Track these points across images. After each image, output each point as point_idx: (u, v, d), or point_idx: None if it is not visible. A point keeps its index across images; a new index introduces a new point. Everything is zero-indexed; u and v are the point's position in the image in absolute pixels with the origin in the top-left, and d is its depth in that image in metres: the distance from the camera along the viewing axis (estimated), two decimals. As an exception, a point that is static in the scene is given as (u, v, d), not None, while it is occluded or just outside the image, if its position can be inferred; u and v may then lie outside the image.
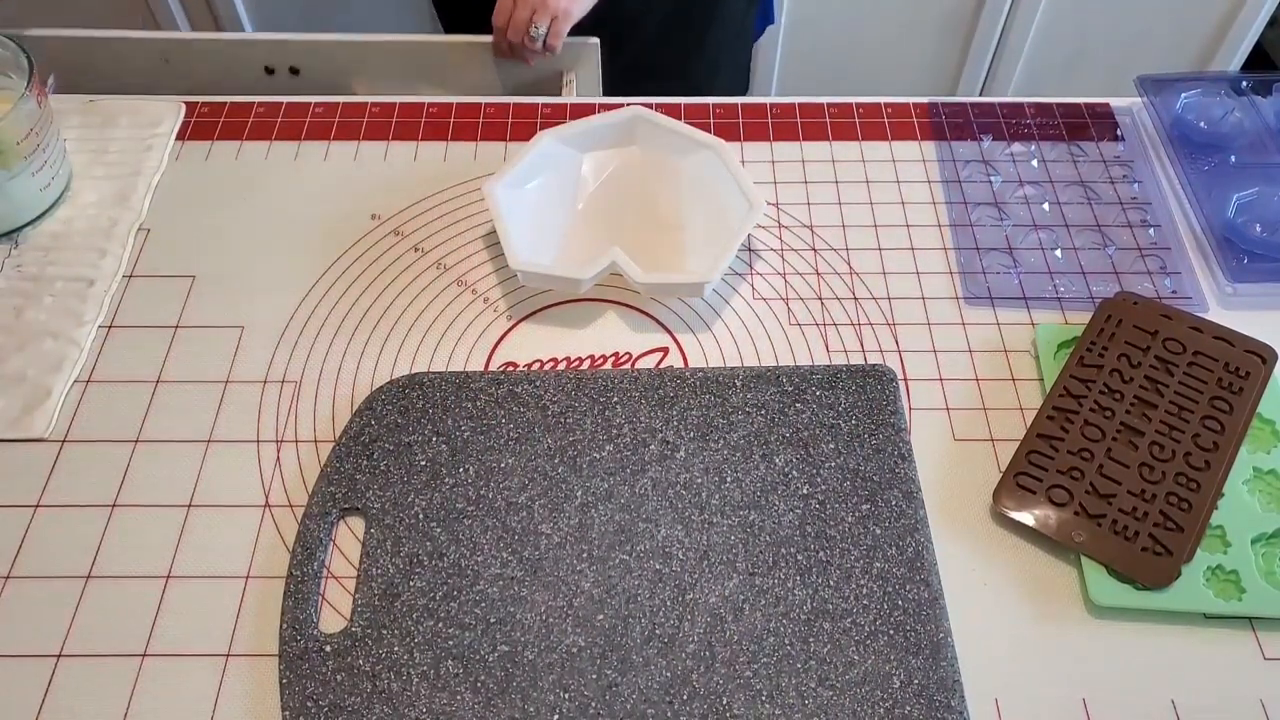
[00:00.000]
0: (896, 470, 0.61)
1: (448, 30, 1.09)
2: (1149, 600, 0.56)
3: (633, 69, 0.97)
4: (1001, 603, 0.57)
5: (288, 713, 0.51)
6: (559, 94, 0.92)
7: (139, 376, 0.66)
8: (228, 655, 0.54)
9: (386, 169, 0.79)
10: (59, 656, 0.54)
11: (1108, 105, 0.85)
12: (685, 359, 0.68)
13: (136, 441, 0.63)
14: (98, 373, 0.66)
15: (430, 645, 0.53)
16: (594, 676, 0.53)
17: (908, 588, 0.56)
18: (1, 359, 0.67)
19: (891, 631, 0.54)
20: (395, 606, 0.55)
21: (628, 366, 0.67)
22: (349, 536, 0.59)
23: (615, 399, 0.63)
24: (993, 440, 0.64)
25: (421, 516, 0.58)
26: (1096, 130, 0.83)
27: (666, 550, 0.57)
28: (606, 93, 0.97)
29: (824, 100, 0.85)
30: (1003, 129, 0.83)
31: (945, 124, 0.83)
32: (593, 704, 0.52)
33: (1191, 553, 0.57)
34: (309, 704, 0.52)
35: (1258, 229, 0.74)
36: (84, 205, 0.76)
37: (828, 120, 0.83)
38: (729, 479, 0.60)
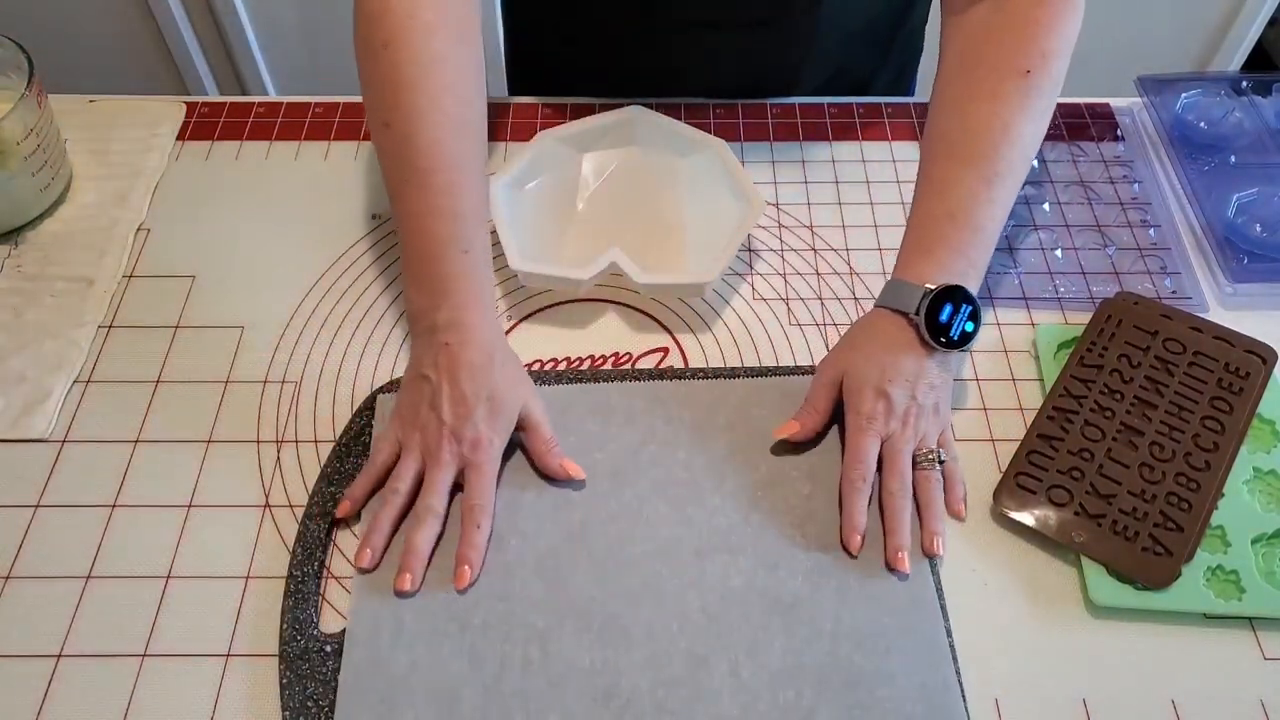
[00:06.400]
0: (896, 470, 0.60)
1: (511, 35, 0.92)
2: (1149, 600, 0.56)
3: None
4: (1001, 603, 0.57)
5: (288, 713, 0.51)
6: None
7: (139, 376, 0.66)
8: (228, 655, 0.54)
9: (386, 169, 0.79)
10: (59, 656, 0.54)
11: (1108, 105, 0.85)
12: (685, 359, 0.68)
13: (136, 441, 0.63)
14: (98, 373, 0.66)
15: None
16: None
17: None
18: (1, 359, 0.66)
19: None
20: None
21: (628, 366, 0.67)
22: (349, 536, 0.59)
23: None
24: (993, 440, 0.64)
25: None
26: (1096, 130, 0.83)
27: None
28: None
29: (824, 100, 0.85)
30: (1003, 129, 0.82)
31: (945, 124, 0.83)
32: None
33: (1191, 553, 0.57)
34: (309, 704, 0.52)
35: (1258, 229, 0.74)
36: (84, 205, 0.76)
37: (828, 120, 0.83)
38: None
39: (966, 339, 0.60)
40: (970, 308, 0.60)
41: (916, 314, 0.59)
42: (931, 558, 0.56)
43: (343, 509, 0.58)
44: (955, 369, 0.61)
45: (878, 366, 0.60)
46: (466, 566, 0.55)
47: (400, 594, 0.55)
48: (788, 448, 0.61)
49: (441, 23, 0.62)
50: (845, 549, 0.57)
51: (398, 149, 0.61)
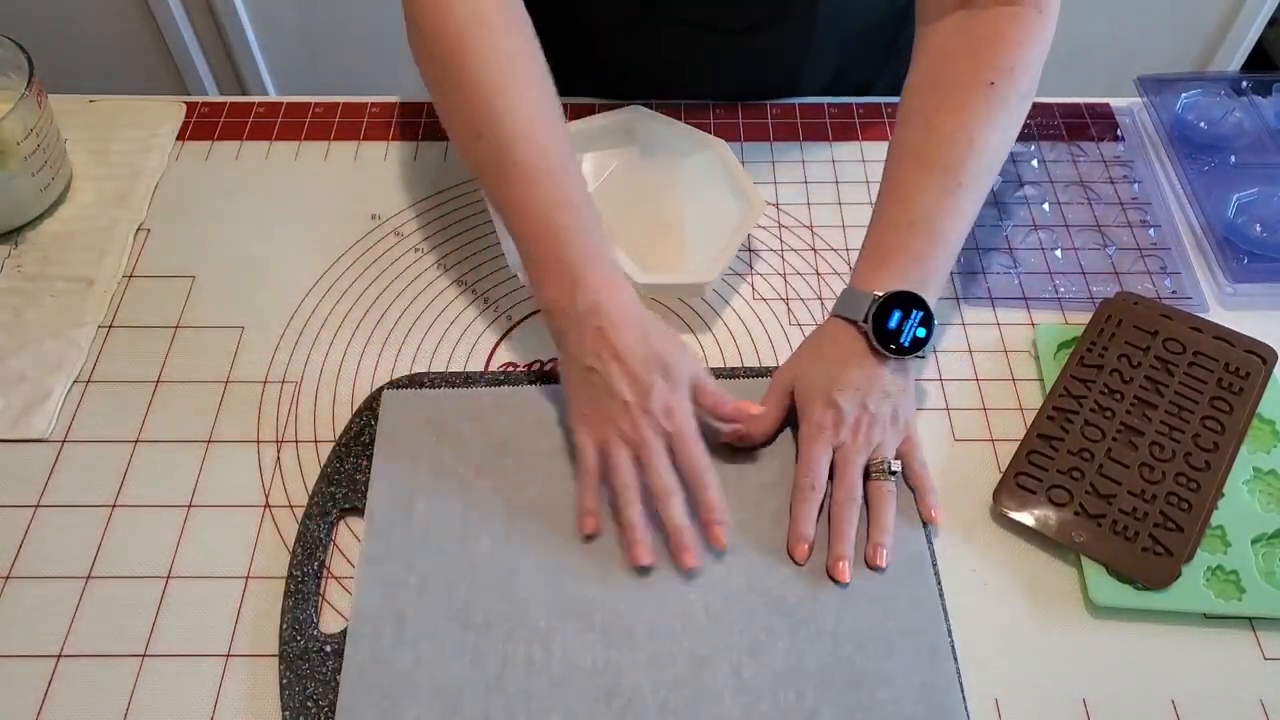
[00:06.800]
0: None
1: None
2: (1149, 600, 0.56)
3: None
4: (1001, 603, 0.57)
5: (288, 713, 0.51)
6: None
7: (139, 376, 0.66)
8: (228, 655, 0.54)
9: (386, 169, 0.79)
10: (59, 656, 0.54)
11: (1108, 105, 0.85)
12: (685, 359, 0.68)
13: (136, 441, 0.63)
14: (98, 373, 0.66)
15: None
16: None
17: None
18: (1, 359, 0.66)
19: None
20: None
21: (628, 366, 0.67)
22: (349, 536, 0.59)
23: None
24: (993, 440, 0.64)
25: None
26: (1096, 130, 0.83)
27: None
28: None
29: (824, 100, 0.85)
30: (1003, 129, 0.82)
31: (945, 124, 0.83)
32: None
33: (1192, 553, 0.57)
34: (309, 704, 0.52)
35: (1258, 229, 0.74)
36: (84, 205, 0.76)
37: (828, 120, 0.83)
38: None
39: (919, 345, 0.59)
40: (921, 313, 0.59)
41: (864, 321, 0.59)
42: (874, 568, 0.56)
43: (590, 525, 0.57)
44: (915, 376, 0.61)
45: (827, 375, 0.59)
46: (718, 527, 0.56)
47: (690, 570, 0.55)
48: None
49: (502, 22, 0.62)
50: (791, 557, 0.57)
51: (495, 154, 0.60)
